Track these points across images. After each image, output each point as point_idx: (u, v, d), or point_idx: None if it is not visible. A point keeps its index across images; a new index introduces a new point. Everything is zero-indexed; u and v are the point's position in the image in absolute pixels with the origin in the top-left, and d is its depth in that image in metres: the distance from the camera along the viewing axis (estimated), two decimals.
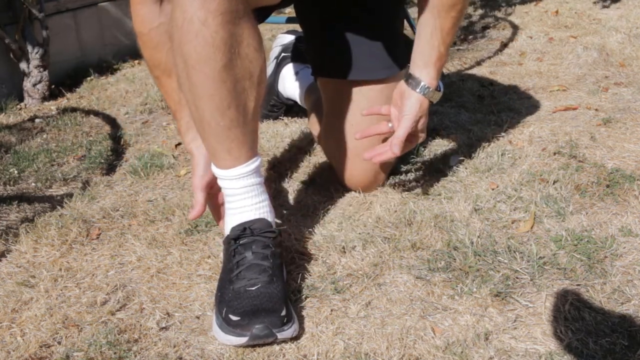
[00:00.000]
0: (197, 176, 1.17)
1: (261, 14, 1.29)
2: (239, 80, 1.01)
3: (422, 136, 1.29)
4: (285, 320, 0.96)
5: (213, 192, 1.19)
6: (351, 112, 1.37)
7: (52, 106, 2.27)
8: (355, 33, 1.36)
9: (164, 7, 1.12)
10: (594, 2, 3.07)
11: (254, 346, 0.97)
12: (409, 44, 1.42)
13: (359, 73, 1.36)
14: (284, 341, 0.98)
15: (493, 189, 1.36)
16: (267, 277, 1.00)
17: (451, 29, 1.23)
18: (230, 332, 0.96)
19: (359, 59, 1.35)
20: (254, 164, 1.06)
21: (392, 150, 1.24)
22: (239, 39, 0.99)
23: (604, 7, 2.99)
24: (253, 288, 0.98)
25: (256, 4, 1.11)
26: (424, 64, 1.24)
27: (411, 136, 1.27)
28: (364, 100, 1.36)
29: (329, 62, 1.39)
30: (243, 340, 0.95)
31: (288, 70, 1.83)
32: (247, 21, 1.01)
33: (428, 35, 1.24)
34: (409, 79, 1.25)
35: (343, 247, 1.20)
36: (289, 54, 1.85)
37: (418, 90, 1.24)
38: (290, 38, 1.90)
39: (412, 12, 2.11)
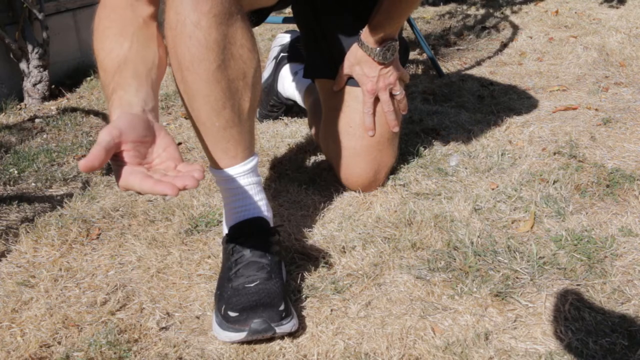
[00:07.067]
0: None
1: (259, 16, 1.29)
2: (232, 81, 1.01)
3: (396, 90, 1.36)
4: (283, 315, 0.96)
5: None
6: (349, 112, 1.37)
7: (52, 106, 2.27)
8: (347, 33, 1.36)
9: None
10: (600, 3, 3.07)
11: (254, 344, 0.97)
12: (403, 43, 1.42)
13: None
14: (283, 338, 0.98)
15: (493, 189, 1.36)
16: (266, 274, 1.00)
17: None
18: (229, 328, 0.96)
19: None
20: (250, 163, 1.07)
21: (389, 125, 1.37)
22: (232, 40, 0.99)
23: (611, 7, 2.99)
24: (251, 285, 0.98)
25: (251, 5, 1.11)
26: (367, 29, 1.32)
27: (390, 101, 1.36)
28: (360, 100, 1.36)
29: (323, 62, 1.39)
30: (242, 335, 0.95)
31: (287, 71, 1.83)
32: (240, 22, 1.01)
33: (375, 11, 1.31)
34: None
35: (343, 247, 1.20)
36: (288, 54, 1.85)
37: (362, 47, 1.32)
38: (289, 38, 1.90)
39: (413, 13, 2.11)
